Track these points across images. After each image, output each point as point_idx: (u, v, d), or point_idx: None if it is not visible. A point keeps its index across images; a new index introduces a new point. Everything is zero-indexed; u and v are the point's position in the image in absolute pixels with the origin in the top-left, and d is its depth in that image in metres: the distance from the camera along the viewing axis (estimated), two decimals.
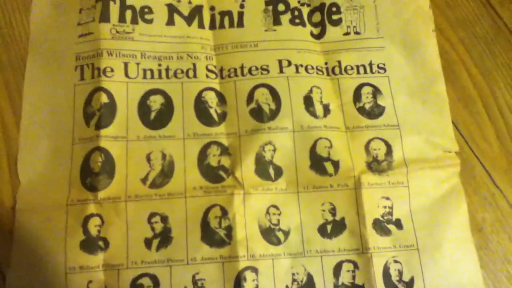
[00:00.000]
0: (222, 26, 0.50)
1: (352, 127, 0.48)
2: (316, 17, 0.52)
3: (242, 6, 0.51)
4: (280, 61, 0.49)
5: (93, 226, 0.43)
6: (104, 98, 0.46)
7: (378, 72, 0.50)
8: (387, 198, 0.46)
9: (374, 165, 0.47)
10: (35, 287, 0.42)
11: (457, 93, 0.51)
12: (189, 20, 0.50)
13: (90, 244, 0.43)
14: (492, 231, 0.47)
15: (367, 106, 0.49)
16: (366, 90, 0.50)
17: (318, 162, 0.46)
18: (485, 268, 0.45)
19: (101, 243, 0.43)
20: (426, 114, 0.49)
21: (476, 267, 0.45)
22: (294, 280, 0.43)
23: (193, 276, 0.42)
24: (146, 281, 0.42)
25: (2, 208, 0.44)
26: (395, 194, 0.46)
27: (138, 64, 0.48)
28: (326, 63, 0.50)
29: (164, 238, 0.43)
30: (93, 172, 0.44)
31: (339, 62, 0.51)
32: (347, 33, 0.52)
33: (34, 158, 0.46)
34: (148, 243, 0.43)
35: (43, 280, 0.42)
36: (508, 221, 0.47)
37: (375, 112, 0.49)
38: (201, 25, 0.50)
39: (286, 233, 0.45)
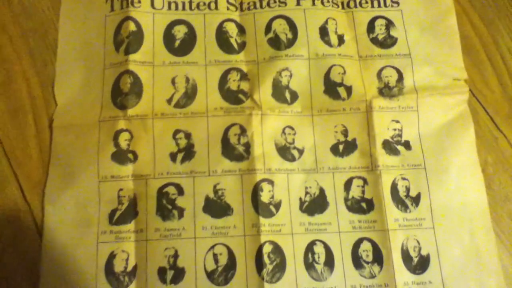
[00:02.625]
0: None
1: (365, 56, 0.51)
2: None
3: None
4: None
5: (123, 140, 0.47)
6: (132, 26, 0.50)
7: (392, 6, 0.53)
8: (397, 121, 0.49)
9: (386, 91, 0.49)
10: (70, 195, 0.46)
11: (460, 42, 0.52)
12: None
13: (120, 156, 0.47)
14: (494, 172, 0.49)
15: (380, 37, 0.51)
16: (380, 22, 0.52)
17: (332, 87, 0.49)
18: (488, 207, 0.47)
19: (130, 155, 0.47)
20: (437, 45, 0.51)
21: (481, 188, 0.47)
22: (307, 193, 0.47)
23: (214, 186, 0.46)
24: (171, 189, 0.46)
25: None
26: (405, 118, 0.49)
27: None
28: None
29: (188, 152, 0.47)
30: (123, 93, 0.48)
31: None
32: None
33: (69, 83, 0.50)
34: (173, 156, 0.47)
35: (78, 188, 0.46)
36: (510, 162, 0.49)
37: (387, 42, 0.51)
38: None
39: (301, 151, 0.48)
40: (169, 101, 0.49)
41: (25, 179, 0.47)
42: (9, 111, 0.49)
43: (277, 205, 0.46)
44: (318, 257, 0.45)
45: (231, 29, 0.51)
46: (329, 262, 0.45)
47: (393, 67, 0.50)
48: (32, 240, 0.45)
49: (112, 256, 0.44)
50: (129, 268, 0.44)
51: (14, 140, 0.48)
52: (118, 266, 0.44)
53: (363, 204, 0.47)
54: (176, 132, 0.48)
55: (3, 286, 0.44)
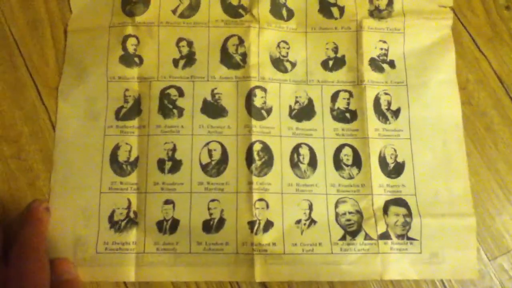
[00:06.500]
0: None
1: None
2: None
3: None
4: None
5: (131, 45, 0.51)
6: None
7: None
8: (384, 42, 0.52)
9: (375, 13, 0.53)
10: (81, 91, 0.50)
11: None
12: None
13: (127, 59, 0.51)
14: (474, 89, 0.53)
15: None
16: None
17: (325, 7, 0.53)
18: (466, 120, 0.51)
19: (136, 59, 0.51)
20: None
21: (457, 103, 0.51)
22: (296, 102, 0.51)
23: (212, 90, 0.50)
24: (172, 91, 0.50)
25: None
26: (392, 39, 0.52)
27: None
28: None
29: (189, 59, 0.51)
30: (131, 1, 0.52)
31: None
32: None
33: None
34: (175, 62, 0.51)
35: (89, 86, 0.50)
36: (489, 80, 0.53)
37: None
38: None
39: (293, 64, 0.52)
40: (174, 11, 0.52)
41: (42, 85, 0.51)
42: (27, 24, 0.53)
43: (268, 110, 0.50)
44: (303, 158, 0.49)
45: None
46: (312, 163, 0.49)
47: None
48: (48, 135, 0.50)
49: (116, 147, 0.49)
50: (132, 159, 0.49)
51: (33, 50, 0.52)
52: (122, 156, 0.49)
53: (347, 115, 0.51)
54: (180, 40, 0.52)
55: (26, 173, 0.49)
